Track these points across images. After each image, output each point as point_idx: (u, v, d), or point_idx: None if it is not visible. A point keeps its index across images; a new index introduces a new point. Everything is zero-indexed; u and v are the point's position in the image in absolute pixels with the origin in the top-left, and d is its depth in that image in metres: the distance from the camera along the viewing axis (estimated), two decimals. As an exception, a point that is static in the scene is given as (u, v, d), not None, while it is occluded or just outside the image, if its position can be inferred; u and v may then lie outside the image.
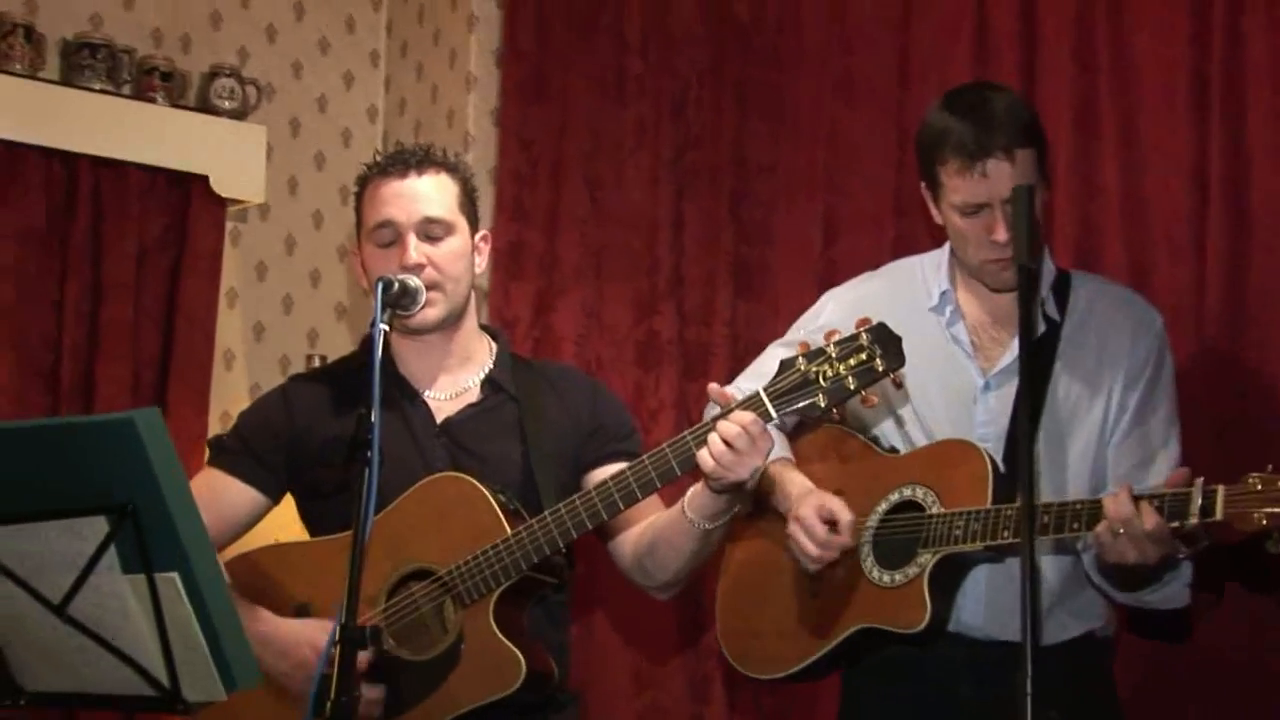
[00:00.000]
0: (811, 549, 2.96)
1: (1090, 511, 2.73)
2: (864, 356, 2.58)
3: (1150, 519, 2.65)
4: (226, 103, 4.94)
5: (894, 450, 3.10)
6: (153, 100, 4.81)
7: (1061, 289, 3.06)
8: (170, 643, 2.18)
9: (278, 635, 2.88)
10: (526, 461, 2.97)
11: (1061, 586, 2.99)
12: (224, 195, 4.87)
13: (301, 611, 2.94)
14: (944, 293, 3.10)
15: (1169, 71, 3.53)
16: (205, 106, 4.92)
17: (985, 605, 2.95)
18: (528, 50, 4.88)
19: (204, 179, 4.83)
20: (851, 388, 2.58)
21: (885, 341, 2.58)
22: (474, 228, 3.05)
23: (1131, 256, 3.54)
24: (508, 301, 4.76)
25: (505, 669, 2.77)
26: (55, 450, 2.15)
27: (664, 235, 4.63)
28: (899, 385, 2.65)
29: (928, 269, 3.17)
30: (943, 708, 2.99)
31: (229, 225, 5.00)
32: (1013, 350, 3.01)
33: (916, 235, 3.85)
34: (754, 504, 3.18)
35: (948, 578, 2.91)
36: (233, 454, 3.06)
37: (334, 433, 2.94)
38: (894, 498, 3.00)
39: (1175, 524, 2.64)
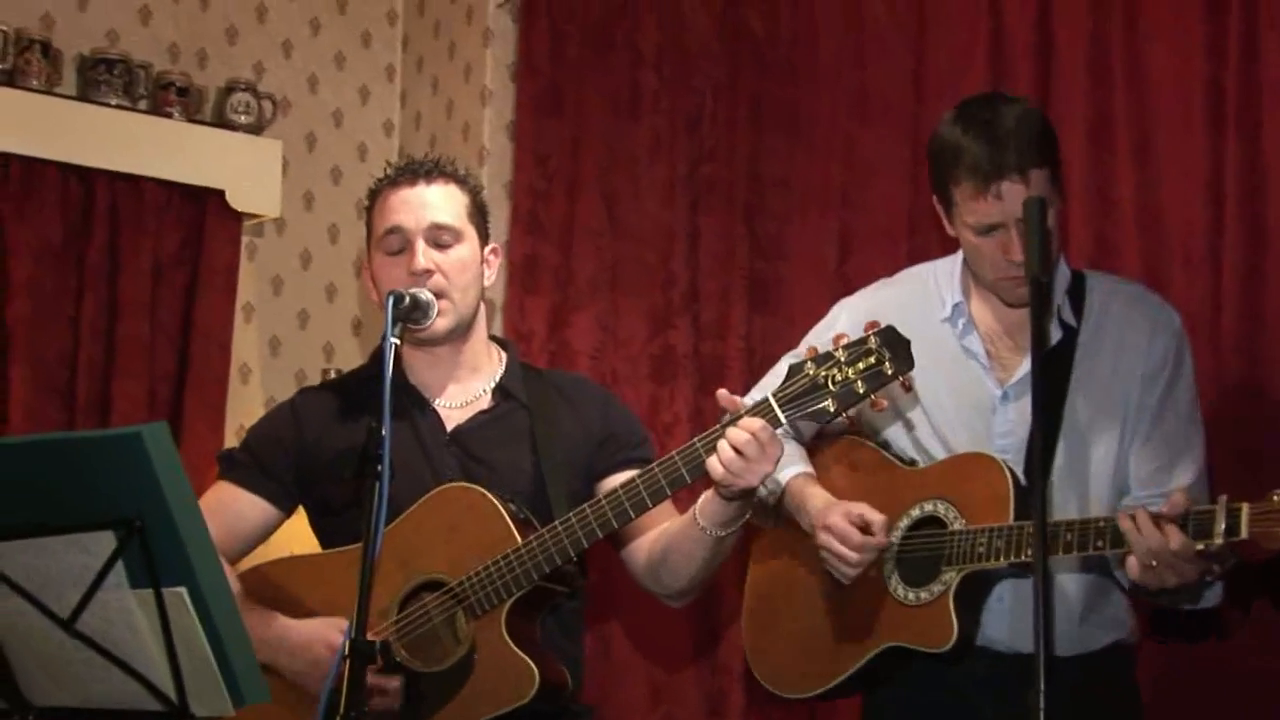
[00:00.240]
0: (849, 554, 2.94)
1: (1114, 529, 2.71)
2: (873, 360, 2.56)
3: (1175, 539, 2.63)
4: (242, 117, 4.95)
5: (913, 463, 3.09)
6: (169, 115, 4.82)
7: (1076, 292, 3.04)
8: (178, 658, 2.17)
9: (291, 635, 2.88)
10: (537, 469, 2.97)
11: (1088, 600, 2.98)
12: (240, 210, 4.89)
13: None
14: (957, 304, 3.08)
15: (1184, 85, 3.52)
16: (221, 121, 4.94)
17: (1010, 619, 2.94)
18: (543, 65, 4.89)
19: (220, 194, 4.84)
20: (861, 391, 2.56)
21: (894, 345, 2.56)
22: (484, 239, 3.05)
23: (1147, 270, 3.52)
24: (523, 316, 4.76)
25: (518, 679, 2.76)
26: (63, 465, 2.15)
27: (679, 249, 4.63)
28: (908, 388, 2.62)
29: (940, 278, 3.15)
30: (966, 722, 2.98)
31: (245, 240, 5.01)
32: (1042, 366, 2.98)
33: (930, 250, 3.82)
34: (777, 520, 3.17)
35: (972, 594, 2.90)
36: (243, 467, 3.06)
37: (344, 444, 2.95)
38: (915, 513, 2.99)
39: (1201, 545, 2.62)
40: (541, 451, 2.98)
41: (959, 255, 3.11)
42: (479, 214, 3.05)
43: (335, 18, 5.34)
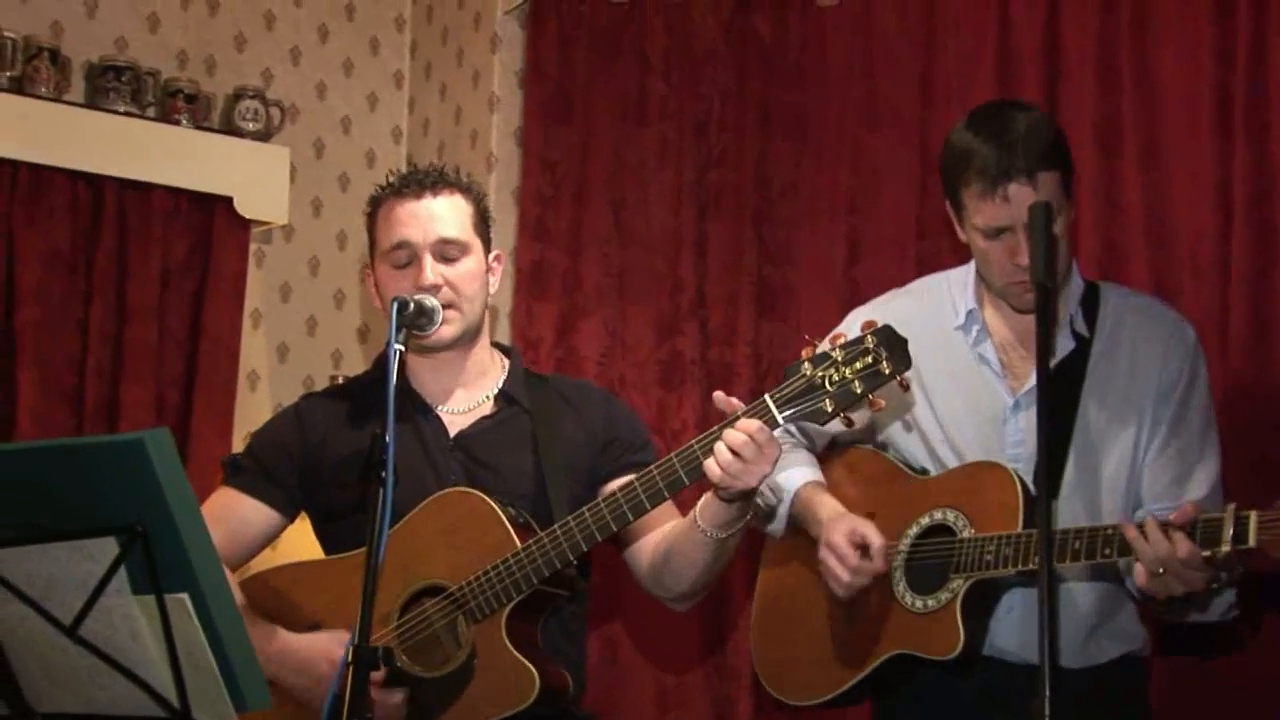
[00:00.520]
0: (844, 575, 2.95)
1: (1122, 537, 2.69)
2: (870, 360, 2.55)
3: (1183, 546, 2.61)
4: (250, 124, 4.96)
5: (924, 471, 3.08)
6: (177, 122, 4.84)
7: (1090, 303, 3.03)
8: (180, 663, 2.17)
9: (294, 651, 2.88)
10: (539, 473, 2.97)
11: (1099, 611, 2.97)
12: (248, 217, 4.91)
13: (314, 630, 2.92)
14: (970, 312, 3.07)
15: (1192, 90, 3.51)
16: (229, 128, 4.95)
17: (1020, 630, 2.93)
18: (551, 71, 4.89)
19: (228, 200, 4.86)
20: (858, 392, 2.55)
21: (891, 344, 2.55)
22: (488, 247, 3.05)
23: (1155, 277, 3.51)
24: (531, 322, 4.76)
25: (519, 683, 2.76)
26: (65, 471, 2.15)
27: (687, 255, 4.63)
28: (906, 388, 2.60)
29: (954, 287, 3.15)
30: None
31: (253, 247, 5.03)
32: (1049, 372, 2.97)
33: (938, 256, 3.84)
34: (787, 528, 3.17)
35: (980, 603, 2.89)
36: (246, 473, 3.06)
37: (347, 450, 2.96)
38: (925, 521, 2.98)
39: (1209, 552, 2.60)
40: (544, 455, 2.98)
41: (972, 264, 3.10)
42: (483, 222, 3.05)
43: (343, 25, 5.35)
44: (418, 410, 3.02)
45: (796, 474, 3.14)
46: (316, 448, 3.04)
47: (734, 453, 2.60)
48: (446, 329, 2.93)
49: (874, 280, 3.98)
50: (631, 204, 4.74)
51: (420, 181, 3.00)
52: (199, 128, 4.89)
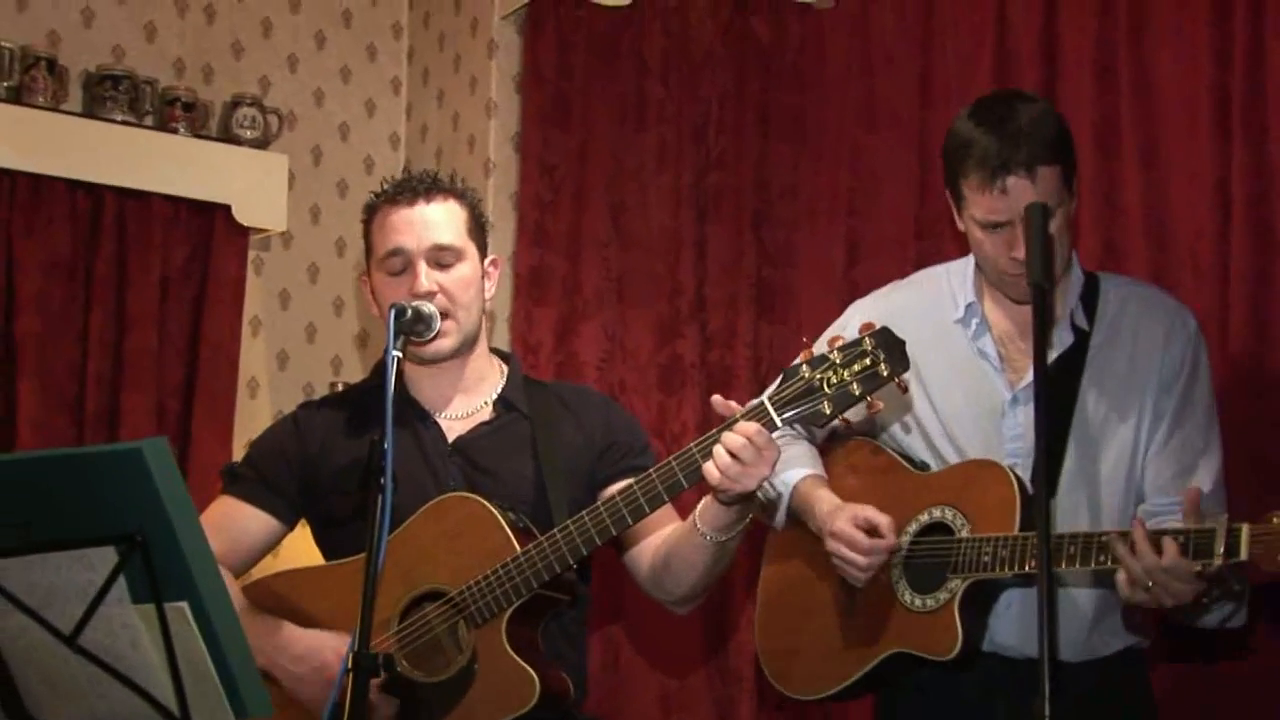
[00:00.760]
0: (858, 559, 2.93)
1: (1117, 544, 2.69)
2: (868, 362, 2.55)
3: (1169, 554, 2.60)
4: (248, 132, 4.96)
5: (924, 466, 3.08)
6: (175, 131, 4.84)
7: (1089, 295, 3.02)
8: (180, 672, 2.16)
9: (295, 642, 2.88)
10: (539, 478, 2.97)
11: (1099, 607, 2.96)
12: (246, 224, 4.91)
13: None
14: (969, 305, 3.06)
15: (1190, 89, 3.51)
16: (227, 136, 4.95)
17: (1019, 625, 2.92)
18: (548, 75, 4.89)
19: (226, 208, 4.86)
20: (857, 393, 2.56)
21: (889, 346, 2.55)
22: (483, 253, 3.05)
23: (1155, 276, 3.50)
24: (530, 326, 4.76)
25: (519, 688, 2.76)
26: (64, 480, 2.14)
27: (686, 258, 4.63)
28: (904, 389, 2.61)
29: (954, 279, 3.13)
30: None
31: (251, 254, 5.02)
32: (1046, 371, 2.96)
33: (938, 256, 3.83)
34: (788, 521, 3.17)
35: (978, 602, 2.89)
36: (246, 482, 3.06)
37: (346, 458, 2.96)
38: (924, 519, 2.98)
39: (1199, 565, 2.59)
40: (543, 461, 2.98)
41: (972, 256, 3.09)
42: (478, 228, 3.05)
43: (340, 31, 5.35)
44: (416, 417, 3.02)
45: (796, 468, 3.14)
46: (315, 455, 3.03)
47: (732, 455, 2.60)
48: (445, 341, 2.93)
49: (874, 281, 3.96)
50: (630, 207, 4.74)
51: (414, 188, 2.99)
52: (197, 136, 4.88)
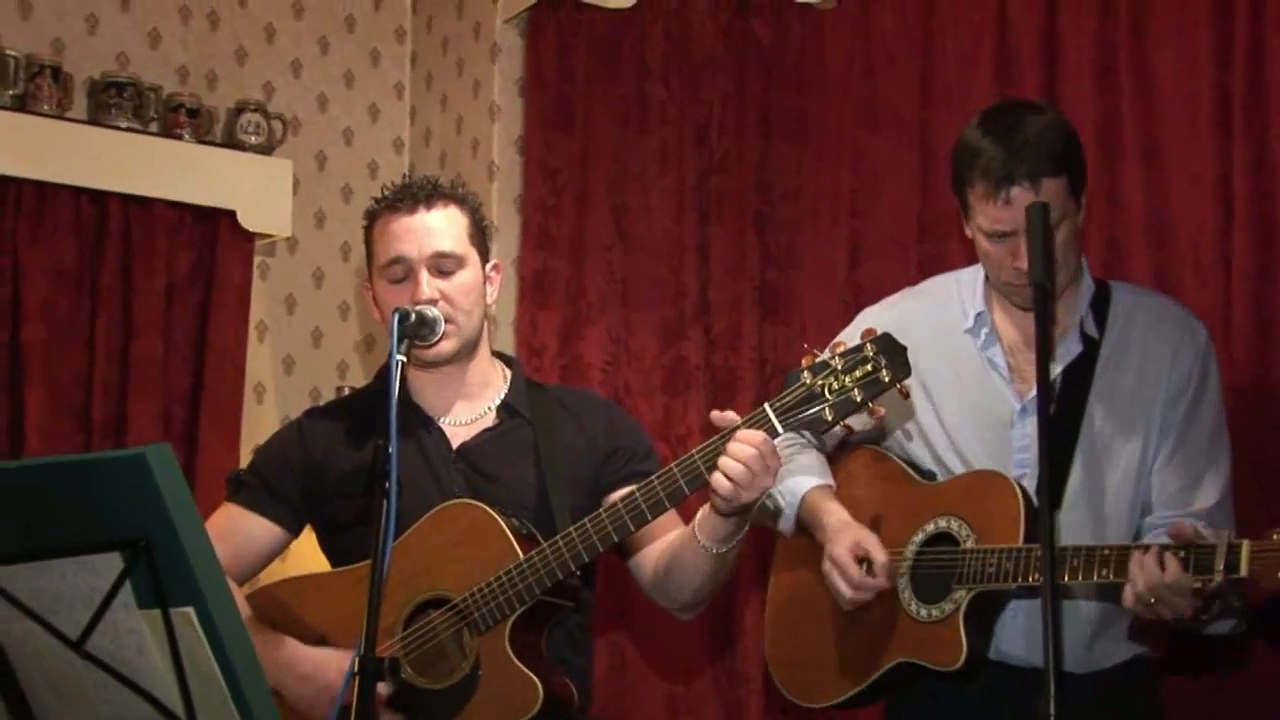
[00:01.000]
0: (846, 590, 2.96)
1: (1119, 559, 2.69)
2: (869, 368, 2.55)
3: (1171, 570, 2.61)
4: (253, 138, 4.97)
5: (931, 475, 3.08)
6: (180, 137, 4.85)
7: (1100, 304, 3.02)
8: (187, 677, 2.17)
9: (302, 660, 2.88)
10: (542, 484, 2.97)
11: (1104, 617, 2.95)
12: (251, 230, 4.91)
13: (320, 644, 2.93)
14: (979, 314, 3.06)
15: (1191, 89, 3.51)
16: (232, 142, 4.96)
17: (1025, 634, 2.93)
18: (551, 79, 4.89)
19: (231, 214, 4.87)
20: (858, 400, 2.55)
21: (891, 352, 2.55)
22: (484, 258, 3.04)
23: (1157, 275, 3.51)
24: (535, 330, 4.76)
25: (523, 694, 2.76)
26: (69, 487, 2.15)
27: (690, 261, 4.63)
28: (905, 395, 2.60)
29: (964, 288, 3.13)
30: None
31: (257, 259, 5.03)
32: (1049, 373, 2.96)
33: (940, 257, 3.84)
34: (797, 529, 3.17)
35: (983, 613, 2.90)
36: (250, 489, 3.06)
37: (351, 464, 2.96)
38: (930, 529, 2.98)
39: (1199, 582, 2.60)
40: (546, 466, 2.98)
41: (981, 266, 3.08)
42: (479, 233, 3.04)
43: (344, 37, 5.36)
44: (420, 422, 3.02)
45: (805, 477, 3.14)
46: (319, 462, 3.03)
47: (744, 465, 2.59)
48: (446, 344, 2.92)
49: (877, 282, 3.99)
50: (633, 210, 4.74)
51: (414, 195, 2.99)
52: (201, 142, 4.89)
